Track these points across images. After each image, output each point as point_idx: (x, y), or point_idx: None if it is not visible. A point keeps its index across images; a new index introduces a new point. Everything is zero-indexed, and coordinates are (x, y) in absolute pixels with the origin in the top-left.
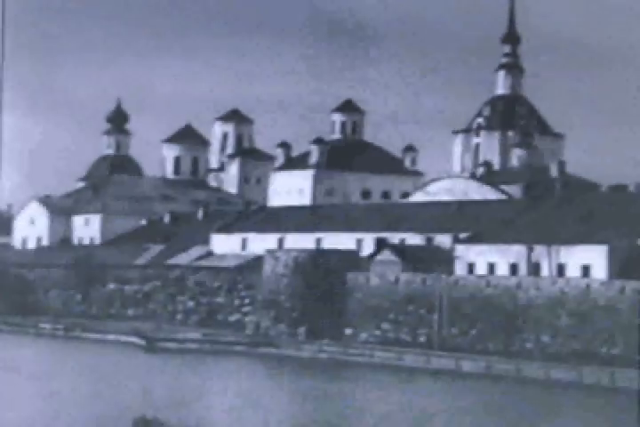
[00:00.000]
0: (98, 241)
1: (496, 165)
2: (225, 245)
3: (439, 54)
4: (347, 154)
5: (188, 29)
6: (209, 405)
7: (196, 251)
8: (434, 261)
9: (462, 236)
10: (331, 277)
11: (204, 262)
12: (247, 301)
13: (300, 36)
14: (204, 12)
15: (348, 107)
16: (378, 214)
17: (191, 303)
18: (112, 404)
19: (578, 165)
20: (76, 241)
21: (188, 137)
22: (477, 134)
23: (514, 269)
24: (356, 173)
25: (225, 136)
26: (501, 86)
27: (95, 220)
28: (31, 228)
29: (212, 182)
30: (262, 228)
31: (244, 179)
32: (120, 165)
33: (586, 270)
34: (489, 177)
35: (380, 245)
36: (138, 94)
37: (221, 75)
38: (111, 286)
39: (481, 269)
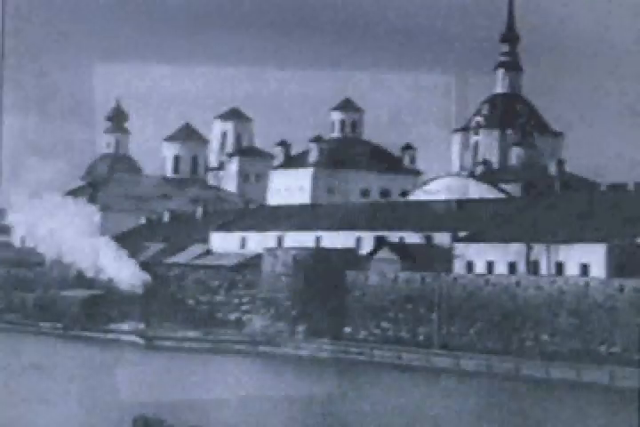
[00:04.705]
0: None
1: (495, 164)
2: (224, 243)
3: (438, 52)
4: (346, 152)
5: (187, 28)
6: (208, 403)
7: (196, 249)
8: (433, 259)
9: (461, 234)
10: (330, 276)
11: (203, 261)
12: (246, 299)
13: (299, 35)
14: (202, 11)
15: (347, 105)
16: (377, 213)
17: (191, 302)
18: (110, 402)
19: (577, 164)
20: None
21: (188, 136)
22: (476, 133)
23: (513, 267)
24: (355, 171)
25: (224, 135)
26: (500, 85)
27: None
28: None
29: (212, 181)
30: (261, 226)
31: (243, 177)
32: (120, 163)
33: (585, 269)
34: (488, 176)
35: (379, 243)
36: (137, 93)
37: (221, 73)
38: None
39: (480, 268)
